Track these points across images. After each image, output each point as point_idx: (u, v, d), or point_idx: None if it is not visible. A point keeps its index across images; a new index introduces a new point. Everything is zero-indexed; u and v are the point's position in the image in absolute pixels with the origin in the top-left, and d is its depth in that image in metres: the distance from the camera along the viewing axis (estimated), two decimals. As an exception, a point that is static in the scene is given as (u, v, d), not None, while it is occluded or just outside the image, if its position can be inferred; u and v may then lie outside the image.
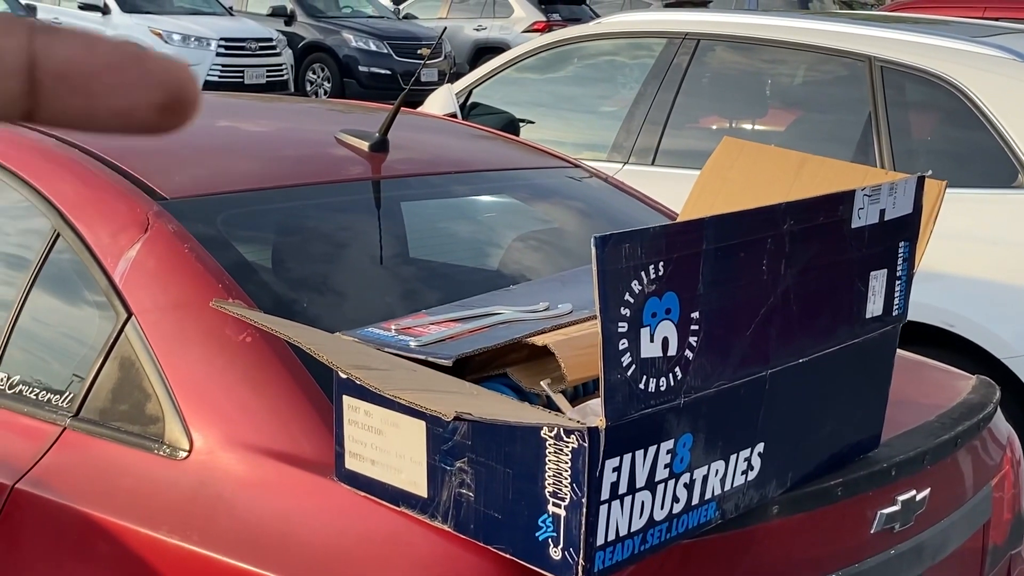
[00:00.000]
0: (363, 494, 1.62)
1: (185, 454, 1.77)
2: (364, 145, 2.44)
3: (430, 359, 1.59)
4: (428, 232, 2.74)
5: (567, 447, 1.38)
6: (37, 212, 2.14)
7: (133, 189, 2.08)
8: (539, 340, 1.60)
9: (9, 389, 2.06)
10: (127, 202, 2.06)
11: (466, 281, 2.47)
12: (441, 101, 4.75)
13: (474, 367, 1.65)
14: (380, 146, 2.44)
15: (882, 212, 1.71)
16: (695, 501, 1.53)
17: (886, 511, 1.82)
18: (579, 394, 1.69)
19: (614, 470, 1.40)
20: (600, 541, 1.42)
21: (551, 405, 1.58)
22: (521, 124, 4.83)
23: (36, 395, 2.01)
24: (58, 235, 2.09)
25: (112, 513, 1.78)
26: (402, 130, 2.52)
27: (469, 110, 4.83)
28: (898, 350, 1.91)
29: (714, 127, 4.66)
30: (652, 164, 4.37)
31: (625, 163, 4.39)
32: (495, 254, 2.69)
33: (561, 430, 1.38)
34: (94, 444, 1.89)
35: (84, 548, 1.83)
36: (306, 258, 2.31)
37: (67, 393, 1.97)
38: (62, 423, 1.94)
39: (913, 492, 1.87)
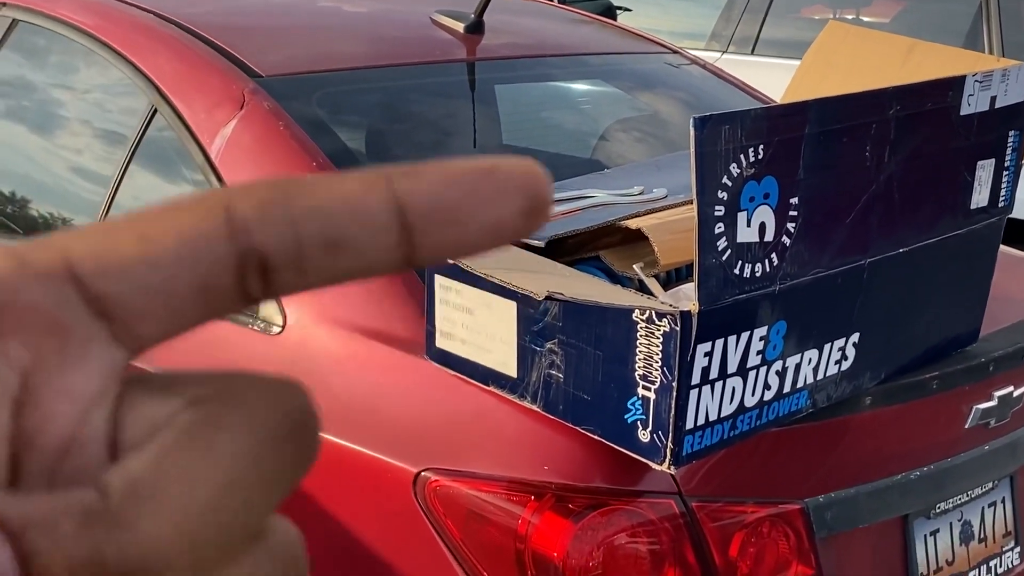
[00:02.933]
0: (453, 373, 1.63)
1: (279, 329, 1.79)
2: (459, 26, 2.42)
3: (523, 240, 1.58)
4: (522, 116, 2.71)
5: (659, 330, 1.37)
6: (135, 88, 2.16)
7: (229, 66, 2.08)
8: (633, 223, 1.58)
9: (109, 262, 2.10)
10: (223, 79, 2.07)
11: (560, 167, 2.44)
12: (537, -14, 4.66)
13: (566, 250, 1.63)
14: (475, 28, 2.41)
15: (992, 99, 1.64)
16: (787, 389, 1.51)
17: (982, 406, 1.79)
18: (671, 280, 1.68)
19: (705, 355, 1.39)
20: (689, 425, 1.41)
21: (644, 289, 1.57)
22: (618, 11, 4.74)
23: (135, 269, 2.05)
24: (155, 111, 2.11)
25: (208, 385, 1.82)
26: (498, 13, 2.49)
27: (565, -4, 4.75)
28: (1002, 246, 1.86)
29: (816, 17, 4.53)
30: (751, 54, 4.28)
31: (724, 52, 4.30)
32: (590, 140, 2.66)
33: (653, 313, 1.37)
34: None
35: (181, 418, 1.88)
36: (398, 138, 2.31)
37: (165, 268, 2.00)
38: (160, 296, 1.98)
39: (1010, 388, 1.83)
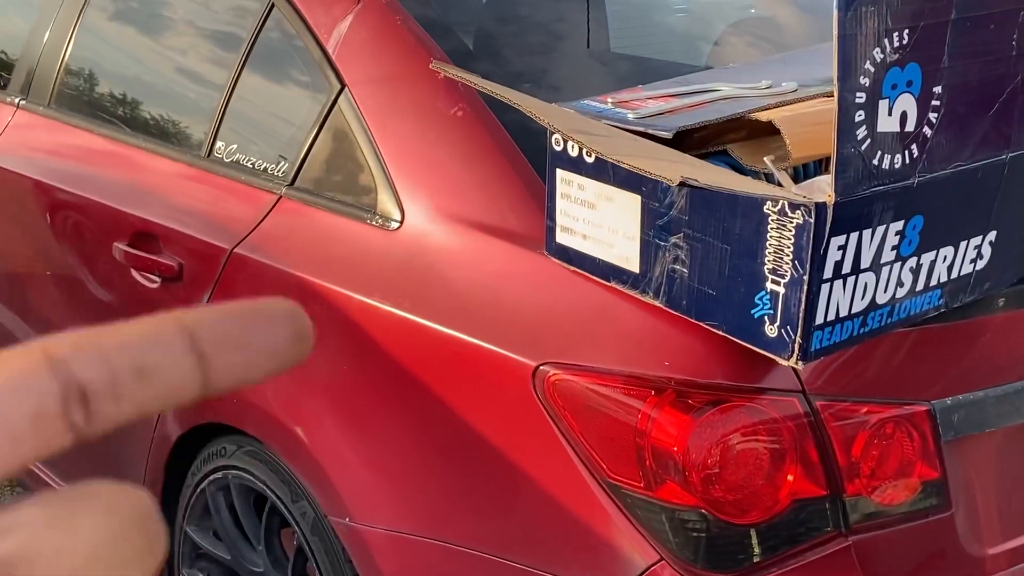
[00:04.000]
0: (573, 268, 1.62)
1: (397, 225, 1.79)
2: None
3: (649, 131, 1.55)
4: (631, 18, 2.66)
5: (791, 223, 1.34)
6: (252, -16, 2.16)
7: (346, -39, 2.06)
8: (763, 116, 1.54)
9: (227, 158, 2.12)
10: None
11: (670, 74, 2.40)
12: None
13: (692, 144, 1.60)
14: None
15: None
16: (919, 287, 1.47)
17: (1118, 312, 1.73)
18: (799, 178, 1.64)
19: (839, 248, 1.35)
20: (819, 320, 1.38)
21: (773, 183, 1.53)
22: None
23: (252, 164, 2.06)
24: (272, 6, 2.10)
25: (326, 279, 1.83)
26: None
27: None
28: None
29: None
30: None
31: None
32: (702, 45, 2.60)
33: (786, 204, 1.34)
34: (309, 212, 1.93)
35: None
36: (509, 37, 2.28)
37: (282, 163, 2.01)
38: (278, 191, 1.98)
39: None
